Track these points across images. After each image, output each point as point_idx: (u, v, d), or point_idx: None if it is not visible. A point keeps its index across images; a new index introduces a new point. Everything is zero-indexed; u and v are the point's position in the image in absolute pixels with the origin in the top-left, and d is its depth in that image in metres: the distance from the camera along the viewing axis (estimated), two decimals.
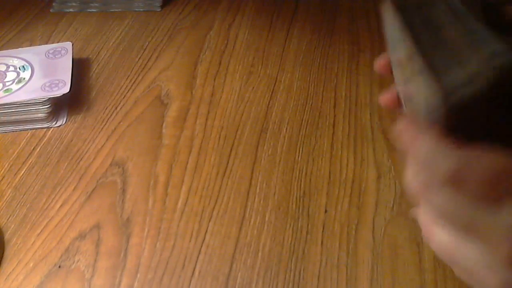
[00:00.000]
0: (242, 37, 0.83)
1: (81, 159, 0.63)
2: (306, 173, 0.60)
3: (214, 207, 0.57)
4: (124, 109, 0.70)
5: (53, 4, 0.92)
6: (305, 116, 0.67)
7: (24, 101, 0.66)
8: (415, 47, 0.27)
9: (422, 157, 0.25)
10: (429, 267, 0.49)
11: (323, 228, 0.54)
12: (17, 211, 0.57)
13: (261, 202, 0.57)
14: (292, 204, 0.56)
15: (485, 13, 0.29)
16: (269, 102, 0.70)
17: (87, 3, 0.91)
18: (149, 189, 0.59)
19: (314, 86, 0.72)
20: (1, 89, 0.68)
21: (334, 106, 0.69)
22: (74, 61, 0.74)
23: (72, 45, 0.76)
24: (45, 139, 0.66)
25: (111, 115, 0.69)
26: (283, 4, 0.91)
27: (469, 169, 0.23)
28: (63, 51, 0.75)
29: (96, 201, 0.58)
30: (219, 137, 0.65)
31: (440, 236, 0.26)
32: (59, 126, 0.68)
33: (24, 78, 0.70)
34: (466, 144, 0.24)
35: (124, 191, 0.59)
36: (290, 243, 0.53)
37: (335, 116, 0.67)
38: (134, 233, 0.54)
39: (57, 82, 0.69)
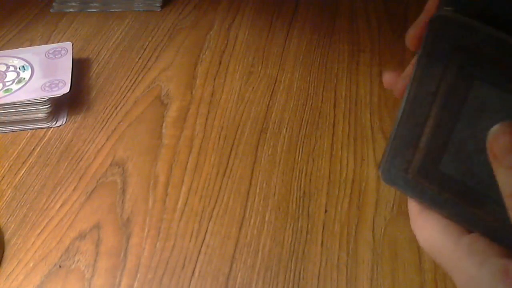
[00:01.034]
0: (242, 37, 0.83)
1: (81, 159, 0.63)
2: (306, 173, 0.60)
3: (214, 207, 0.57)
4: (124, 109, 0.70)
5: (53, 4, 0.92)
6: (305, 116, 0.67)
7: (24, 101, 0.66)
8: None
9: None
10: (429, 267, 0.49)
11: (323, 228, 0.54)
12: (17, 211, 0.57)
13: (261, 202, 0.57)
14: (292, 204, 0.56)
15: None
16: (269, 102, 0.70)
17: (87, 3, 0.91)
18: (149, 189, 0.59)
19: (314, 86, 0.72)
20: (1, 89, 0.68)
21: (334, 106, 0.69)
22: (74, 61, 0.74)
23: (72, 45, 0.76)
24: (45, 139, 0.66)
25: (111, 115, 0.69)
26: (283, 4, 0.91)
27: None
28: (63, 51, 0.75)
29: (96, 201, 0.58)
30: (219, 137, 0.65)
31: None
32: (59, 126, 0.68)
33: (24, 78, 0.70)
34: None
35: (124, 191, 0.59)
36: (290, 243, 0.52)
37: (335, 116, 0.67)
38: (134, 233, 0.54)
39: (57, 82, 0.69)
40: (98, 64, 0.79)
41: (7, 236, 0.55)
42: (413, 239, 0.52)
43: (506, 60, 0.24)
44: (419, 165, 0.28)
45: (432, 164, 0.27)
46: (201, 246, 0.53)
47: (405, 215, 0.55)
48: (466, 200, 0.27)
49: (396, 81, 0.30)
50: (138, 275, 0.51)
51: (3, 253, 0.53)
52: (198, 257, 0.52)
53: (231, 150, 0.63)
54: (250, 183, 0.59)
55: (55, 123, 0.68)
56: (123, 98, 0.72)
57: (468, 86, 0.25)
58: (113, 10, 0.91)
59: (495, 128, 0.24)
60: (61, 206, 0.58)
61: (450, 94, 0.26)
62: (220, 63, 0.77)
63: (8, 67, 0.72)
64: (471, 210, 0.27)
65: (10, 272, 0.51)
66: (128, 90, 0.73)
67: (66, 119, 0.69)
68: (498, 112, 0.24)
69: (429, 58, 0.26)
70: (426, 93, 0.26)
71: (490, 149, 0.24)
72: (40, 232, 0.55)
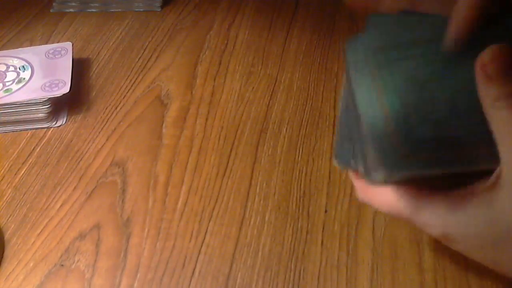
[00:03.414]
0: (242, 37, 0.83)
1: (81, 159, 0.63)
2: (306, 173, 0.60)
3: (214, 207, 0.57)
4: (124, 109, 0.70)
5: (53, 4, 0.92)
6: (305, 116, 0.67)
7: (24, 101, 0.66)
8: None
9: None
10: (429, 267, 0.49)
11: (323, 228, 0.54)
12: (17, 211, 0.57)
13: (261, 202, 0.57)
14: (292, 204, 0.56)
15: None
16: (269, 102, 0.70)
17: (87, 3, 0.91)
18: (149, 189, 0.59)
19: (314, 86, 0.72)
20: (1, 89, 0.68)
21: (334, 106, 0.69)
22: (74, 61, 0.74)
23: (72, 45, 0.76)
24: (45, 139, 0.66)
25: (111, 115, 0.69)
26: (283, 4, 0.91)
27: None
28: (63, 51, 0.75)
29: (96, 201, 0.58)
30: (219, 137, 0.65)
31: None
32: (59, 126, 0.68)
33: (24, 78, 0.70)
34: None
35: (124, 191, 0.59)
36: (290, 243, 0.52)
37: (335, 116, 0.67)
38: (134, 233, 0.54)
39: (57, 82, 0.69)
40: (98, 64, 0.79)
41: (7, 236, 0.55)
42: (413, 239, 0.52)
43: None
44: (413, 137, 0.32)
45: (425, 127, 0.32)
46: (201, 246, 0.53)
47: None
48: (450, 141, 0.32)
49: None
50: (138, 275, 0.51)
51: (3, 253, 0.53)
52: (198, 257, 0.52)
53: (231, 150, 0.63)
54: (250, 183, 0.59)
55: (55, 123, 0.68)
56: (123, 98, 0.72)
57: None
58: (113, 10, 0.91)
59: (489, 49, 0.27)
60: (61, 206, 0.58)
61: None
62: (220, 63, 0.77)
63: (8, 67, 0.72)
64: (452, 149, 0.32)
65: (10, 272, 0.51)
66: (128, 90, 0.73)
67: (66, 119, 0.69)
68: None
69: None
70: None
71: (481, 70, 0.26)
72: (40, 232, 0.55)
